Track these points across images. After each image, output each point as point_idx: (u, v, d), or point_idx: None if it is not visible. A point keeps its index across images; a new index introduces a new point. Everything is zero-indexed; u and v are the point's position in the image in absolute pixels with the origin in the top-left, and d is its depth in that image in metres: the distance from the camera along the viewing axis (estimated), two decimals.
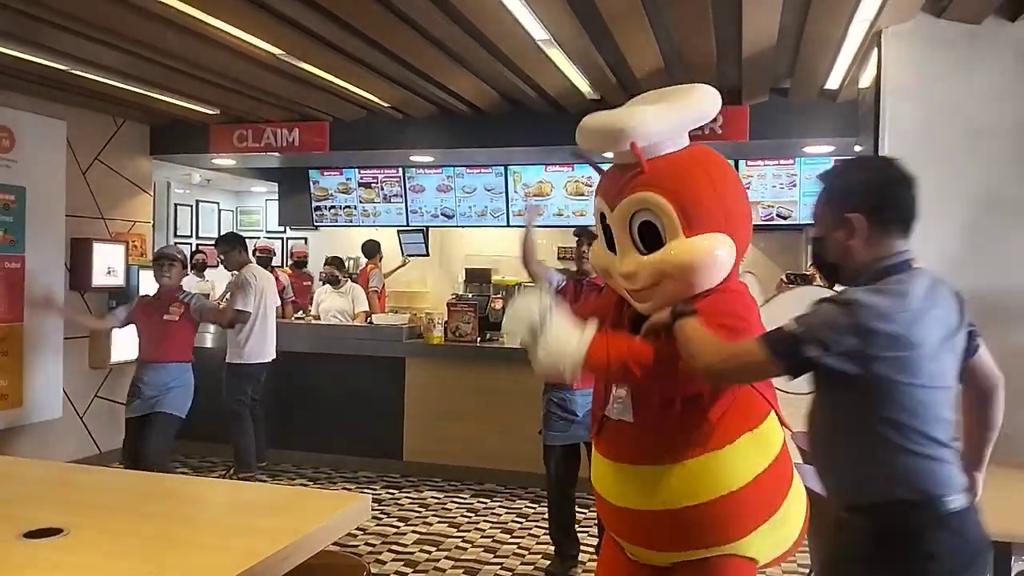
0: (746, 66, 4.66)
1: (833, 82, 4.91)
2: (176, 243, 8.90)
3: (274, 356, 5.76)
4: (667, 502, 2.17)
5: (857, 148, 5.41)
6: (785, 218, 6.98)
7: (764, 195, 6.99)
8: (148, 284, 6.12)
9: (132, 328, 4.86)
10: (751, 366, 1.89)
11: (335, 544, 1.72)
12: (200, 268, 8.13)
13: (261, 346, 5.64)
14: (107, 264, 6.09)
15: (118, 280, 6.17)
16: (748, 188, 6.98)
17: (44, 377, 5.71)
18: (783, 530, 2.29)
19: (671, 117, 2.30)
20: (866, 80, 4.34)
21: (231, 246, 5.70)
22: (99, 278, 6.00)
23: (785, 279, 5.85)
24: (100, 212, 6.23)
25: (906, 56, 3.82)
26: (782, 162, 6.90)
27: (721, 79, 4.95)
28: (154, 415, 4.58)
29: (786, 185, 6.95)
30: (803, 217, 6.97)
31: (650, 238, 2.24)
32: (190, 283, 7.53)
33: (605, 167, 2.45)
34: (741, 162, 6.99)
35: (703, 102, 2.37)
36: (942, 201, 3.40)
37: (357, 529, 4.48)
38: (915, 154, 2.47)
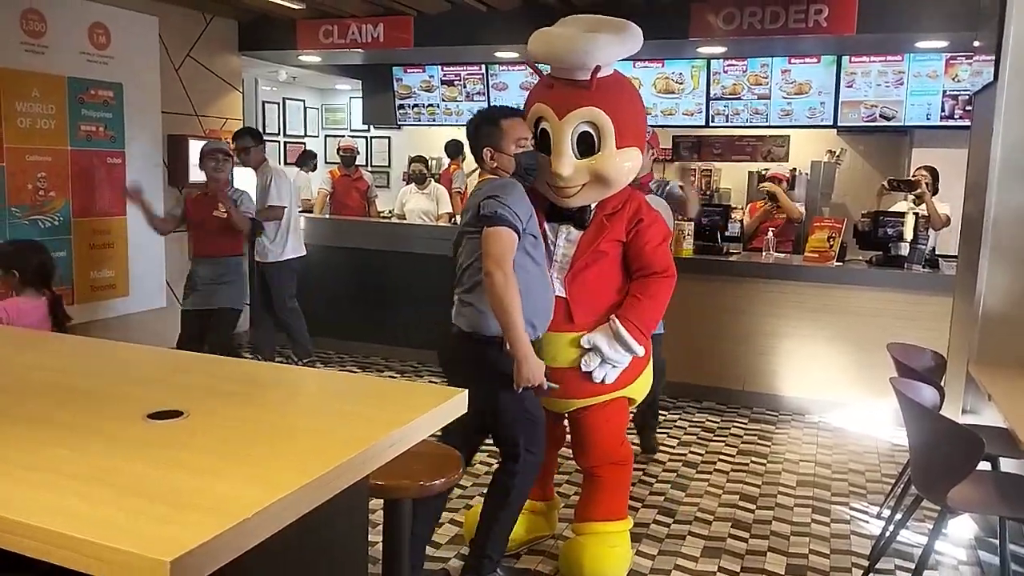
0: None
1: None
2: (265, 140, 9.07)
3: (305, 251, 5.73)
4: (578, 359, 2.89)
5: (976, 44, 5.02)
6: (889, 119, 6.61)
7: (867, 94, 6.61)
8: (242, 181, 6.29)
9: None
10: None
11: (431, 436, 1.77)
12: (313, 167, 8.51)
13: (298, 240, 5.66)
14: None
15: None
16: (850, 86, 6.63)
17: (147, 268, 6.00)
18: (647, 376, 3.11)
19: (621, 49, 2.86)
20: None
21: (254, 142, 5.56)
22: (195, 174, 6.16)
23: (887, 185, 5.56)
24: (194, 109, 6.35)
25: None
26: (889, 58, 6.48)
27: None
28: (216, 312, 4.79)
29: (892, 83, 6.54)
30: (909, 118, 6.57)
31: (583, 145, 2.81)
32: (296, 177, 7.78)
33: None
34: (844, 58, 6.58)
35: (637, 39, 2.91)
36: None
37: None
38: None
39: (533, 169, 2.81)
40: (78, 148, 5.42)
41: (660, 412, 4.97)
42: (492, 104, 7.81)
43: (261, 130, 9.17)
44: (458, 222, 3.42)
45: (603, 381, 2.93)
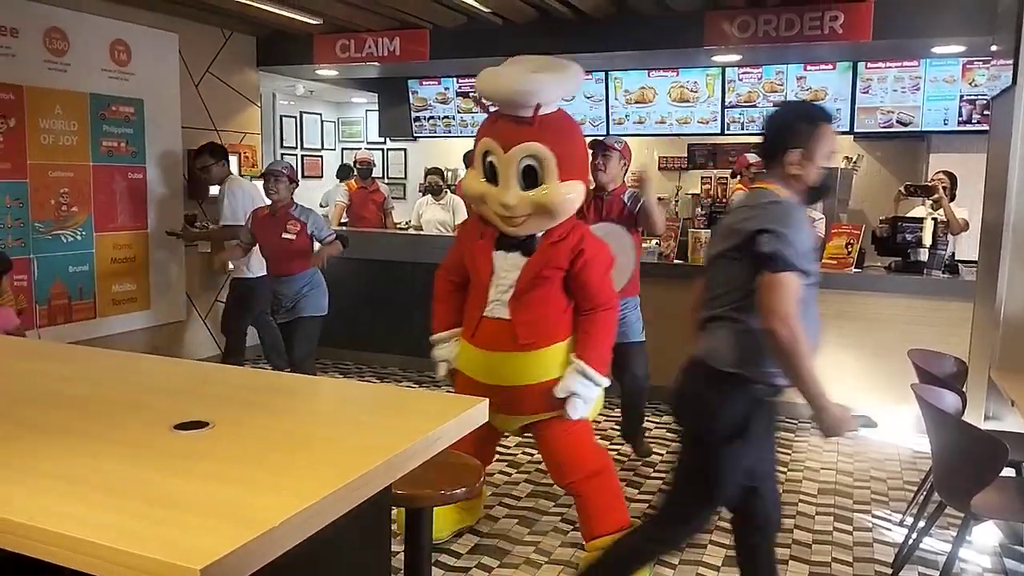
0: None
1: None
2: (282, 154, 9.14)
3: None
4: (534, 378, 3.06)
5: (993, 48, 4.99)
6: (906, 124, 6.57)
7: (884, 100, 6.57)
8: (261, 194, 6.33)
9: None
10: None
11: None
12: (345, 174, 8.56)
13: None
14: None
15: None
16: (866, 92, 6.61)
17: (168, 282, 6.06)
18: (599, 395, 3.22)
19: (561, 89, 3.07)
20: None
21: (214, 159, 5.52)
22: (215, 188, 6.24)
23: (904, 191, 5.53)
24: (213, 123, 6.43)
25: None
26: (905, 64, 6.45)
27: None
28: (297, 320, 4.84)
29: (908, 89, 6.51)
30: (926, 123, 6.54)
31: (529, 178, 2.97)
32: (337, 191, 7.82)
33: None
34: (860, 64, 6.56)
35: (577, 78, 3.14)
36: None
37: None
38: None
39: (828, 190, 2.60)
40: (100, 163, 5.50)
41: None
42: None
43: (279, 143, 9.31)
44: None
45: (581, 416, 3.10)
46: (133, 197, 5.77)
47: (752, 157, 6.81)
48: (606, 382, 3.12)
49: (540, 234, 3.08)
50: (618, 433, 4.71)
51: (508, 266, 3.08)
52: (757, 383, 2.33)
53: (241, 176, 6.57)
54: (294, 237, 4.74)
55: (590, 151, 4.11)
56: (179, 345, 6.16)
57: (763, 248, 2.23)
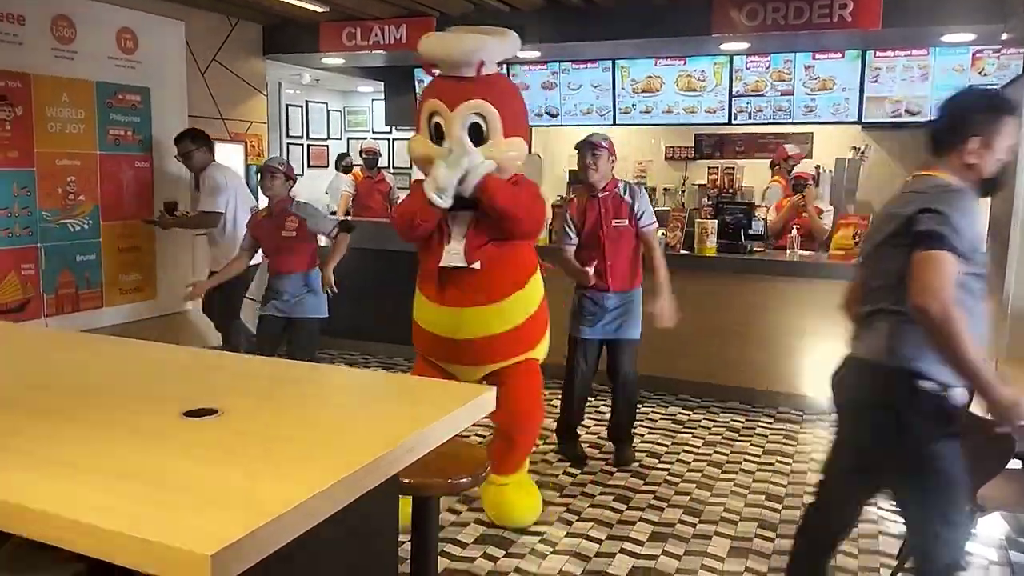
0: None
1: None
2: (288, 144, 9.15)
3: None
4: (493, 329, 3.27)
5: (1004, 36, 4.96)
6: (914, 114, 6.53)
7: (892, 89, 6.53)
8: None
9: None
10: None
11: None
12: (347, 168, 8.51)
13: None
14: (228, 164, 6.31)
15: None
16: (875, 81, 6.57)
17: (174, 271, 6.07)
18: (546, 340, 3.54)
19: (500, 49, 3.26)
20: None
21: (195, 144, 5.29)
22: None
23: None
24: (219, 112, 6.43)
25: None
26: (913, 53, 6.40)
27: None
28: (297, 321, 4.73)
29: (917, 78, 6.46)
30: (935, 113, 6.49)
31: (474, 135, 3.11)
32: (340, 180, 7.76)
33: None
34: (868, 53, 6.52)
35: (515, 44, 3.37)
36: None
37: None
38: None
39: (1000, 184, 2.42)
40: (107, 152, 5.51)
41: (684, 412, 4.96)
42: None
43: (284, 132, 9.30)
44: None
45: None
46: (140, 186, 5.77)
47: (791, 149, 6.78)
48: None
49: None
50: (607, 439, 4.55)
51: (461, 221, 3.24)
52: (925, 378, 2.16)
53: (249, 165, 6.57)
54: (294, 234, 4.64)
55: (578, 151, 4.14)
56: (185, 334, 6.17)
57: (921, 227, 2.10)
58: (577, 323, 4.25)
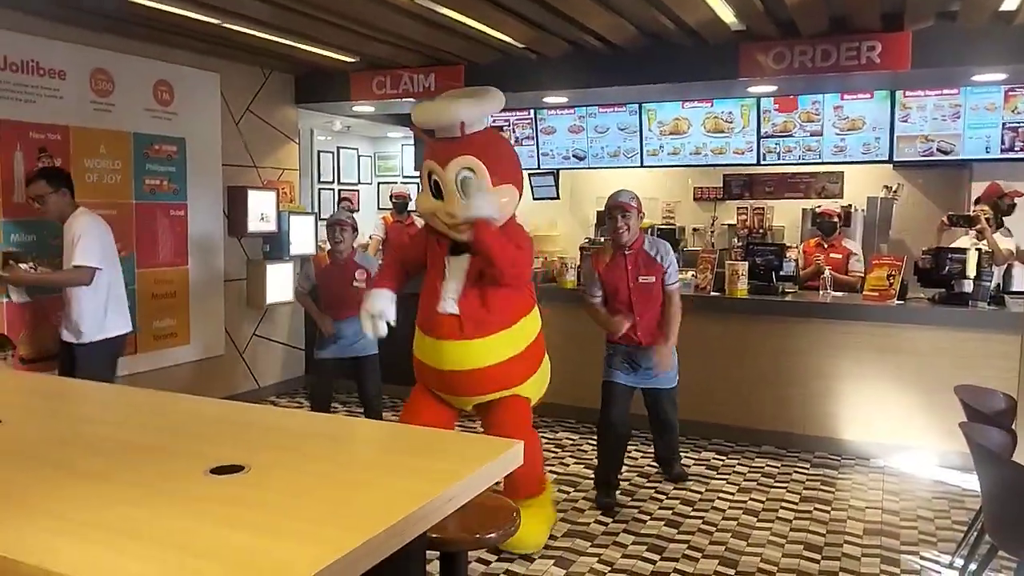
0: None
1: (1010, 2, 4.44)
2: (319, 188, 9.27)
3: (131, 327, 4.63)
4: (479, 363, 3.46)
5: None
6: (946, 153, 6.46)
7: (923, 127, 6.48)
8: (297, 229, 6.41)
9: (286, 271, 5.07)
10: None
11: None
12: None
13: (122, 311, 4.54)
14: (260, 211, 6.42)
15: (270, 226, 6.50)
16: (905, 120, 6.53)
17: (208, 317, 6.14)
18: (541, 381, 3.76)
19: (479, 109, 3.47)
20: None
21: (51, 187, 4.29)
22: (253, 224, 6.35)
23: (947, 220, 5.43)
24: (252, 161, 6.55)
25: None
26: (944, 92, 6.35)
27: (882, 3, 4.58)
28: (363, 359, 4.99)
29: (948, 117, 6.41)
30: (967, 151, 6.42)
31: (468, 188, 3.37)
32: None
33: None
34: (898, 93, 6.48)
35: (496, 101, 3.58)
36: None
37: None
38: None
39: None
40: (142, 201, 5.62)
41: (718, 457, 4.88)
42: (540, 149, 7.89)
43: (316, 178, 9.43)
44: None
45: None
46: (175, 234, 5.87)
47: (834, 207, 6.49)
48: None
49: None
50: (655, 469, 4.69)
51: (458, 267, 3.49)
52: None
53: (285, 211, 6.64)
54: (363, 285, 4.82)
55: (608, 215, 4.19)
56: (219, 380, 6.22)
57: None
58: (610, 367, 4.26)
